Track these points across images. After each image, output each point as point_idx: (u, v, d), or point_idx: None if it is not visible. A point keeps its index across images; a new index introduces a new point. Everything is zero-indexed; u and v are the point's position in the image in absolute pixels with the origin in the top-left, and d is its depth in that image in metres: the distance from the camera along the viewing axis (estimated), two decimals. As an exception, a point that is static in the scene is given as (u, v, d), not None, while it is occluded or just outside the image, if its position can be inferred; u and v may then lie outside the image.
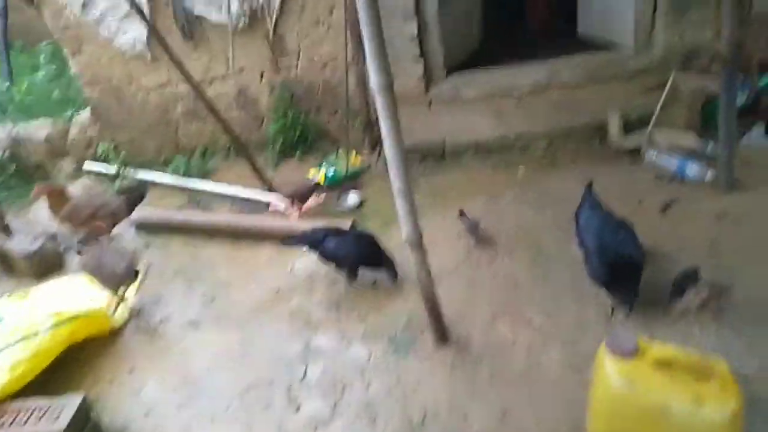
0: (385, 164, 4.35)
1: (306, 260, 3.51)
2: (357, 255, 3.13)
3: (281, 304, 3.16)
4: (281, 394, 2.56)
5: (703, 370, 1.71)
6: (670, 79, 3.92)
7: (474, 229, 3.49)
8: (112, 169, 4.81)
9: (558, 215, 3.56)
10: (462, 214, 3.58)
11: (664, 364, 1.75)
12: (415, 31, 4.62)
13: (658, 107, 4.00)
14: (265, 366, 2.74)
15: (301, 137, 4.88)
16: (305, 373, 2.67)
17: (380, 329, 2.88)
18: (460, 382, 2.53)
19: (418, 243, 2.46)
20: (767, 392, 2.26)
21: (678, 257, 3.06)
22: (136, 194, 3.93)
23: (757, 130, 4.06)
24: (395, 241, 3.29)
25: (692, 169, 3.70)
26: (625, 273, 2.65)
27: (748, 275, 2.88)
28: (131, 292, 3.24)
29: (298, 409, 2.49)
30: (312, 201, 4.21)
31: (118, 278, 3.04)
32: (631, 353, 1.79)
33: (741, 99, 4.06)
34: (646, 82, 4.50)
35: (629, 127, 4.31)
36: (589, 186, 3.15)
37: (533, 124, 4.53)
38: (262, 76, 4.81)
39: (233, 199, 4.39)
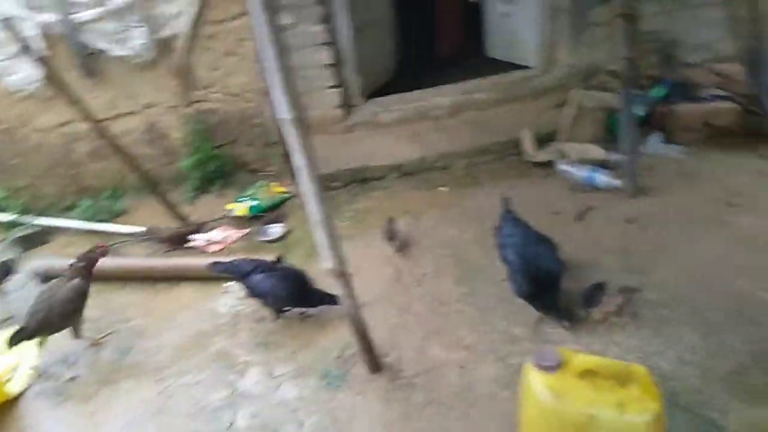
0: (307, 193, 4.38)
1: (229, 299, 3.35)
2: (285, 295, 3.00)
3: (203, 349, 2.97)
4: (208, 448, 2.38)
5: (624, 376, 1.74)
6: (572, 96, 4.14)
7: (394, 235, 3.53)
8: (9, 216, 4.42)
9: (481, 232, 3.62)
10: (390, 222, 3.61)
11: (588, 374, 1.77)
12: (331, 60, 4.62)
13: (564, 123, 4.20)
14: (187, 419, 2.54)
15: (218, 170, 4.72)
16: (232, 421, 2.51)
17: (311, 365, 2.77)
18: (395, 410, 2.46)
19: (342, 273, 2.39)
20: (686, 386, 2.36)
21: (595, 262, 3.18)
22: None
23: (655, 139, 4.34)
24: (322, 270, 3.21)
25: (601, 178, 3.89)
26: (546, 286, 2.71)
27: (659, 274, 3.03)
28: (31, 353, 2.94)
29: (227, 461, 2.32)
30: (233, 234, 4.06)
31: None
32: (555, 367, 1.80)
33: (640, 111, 4.36)
34: (553, 100, 4.74)
35: (541, 142, 4.51)
36: (506, 202, 3.21)
37: (452, 145, 4.63)
38: (172, 110, 4.62)
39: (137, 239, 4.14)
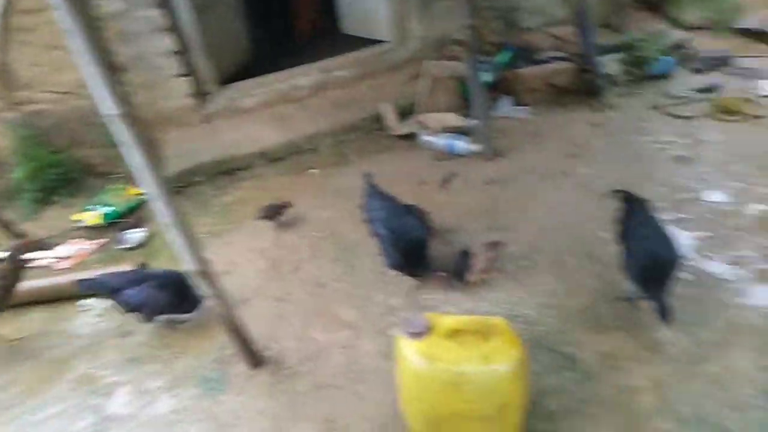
0: (176, 189, 4.09)
1: (87, 317, 3.05)
2: (164, 304, 2.77)
3: (60, 377, 2.68)
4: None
5: (486, 330, 1.84)
6: (425, 67, 4.25)
7: (274, 213, 3.50)
8: None
9: (354, 210, 3.60)
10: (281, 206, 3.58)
11: (453, 334, 1.84)
12: (174, 47, 4.30)
13: (420, 94, 4.31)
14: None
15: (61, 178, 4.24)
16: (102, 448, 2.30)
17: (188, 373, 2.61)
18: (281, 402, 2.40)
19: (205, 273, 2.25)
20: (548, 328, 2.56)
21: (462, 225, 3.33)
22: None
23: (504, 102, 4.61)
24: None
25: (460, 145, 4.06)
26: (416, 255, 2.78)
27: (519, 229, 3.25)
28: None
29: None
30: (79, 248, 3.69)
31: None
32: (423, 332, 1.84)
33: (488, 77, 4.59)
34: (409, 72, 4.82)
35: (403, 115, 4.59)
36: (368, 177, 3.23)
37: (317, 125, 4.56)
38: (-7, 116, 4.05)
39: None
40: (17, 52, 3.94)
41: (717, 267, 2.77)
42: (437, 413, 1.85)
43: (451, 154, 4.12)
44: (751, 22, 5.28)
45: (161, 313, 2.81)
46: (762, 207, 3.13)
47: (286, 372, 2.55)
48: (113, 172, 4.45)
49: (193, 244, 2.20)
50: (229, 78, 4.97)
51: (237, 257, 3.40)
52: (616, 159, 3.80)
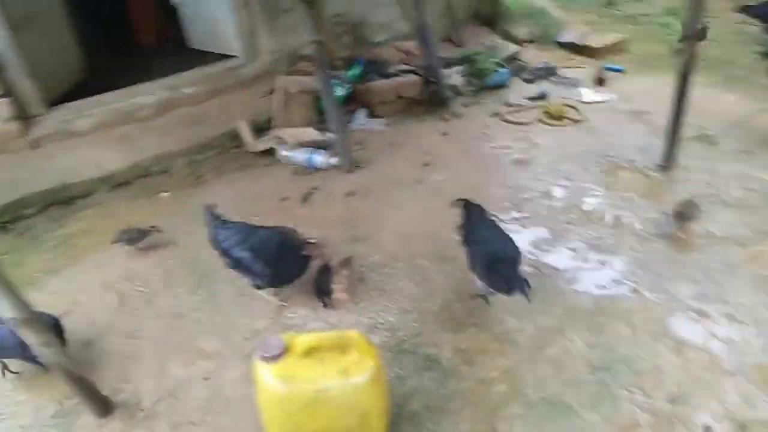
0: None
1: None
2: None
3: None
4: None
5: (342, 344, 1.85)
6: (277, 83, 4.22)
7: (135, 238, 3.27)
8: None
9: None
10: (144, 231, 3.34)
11: (311, 352, 1.83)
12: (-14, 67, 3.80)
13: (275, 109, 4.27)
14: None
15: None
16: None
17: (22, 433, 2.31)
18: (138, 450, 2.21)
19: (27, 321, 2.00)
20: (409, 331, 2.65)
21: (325, 238, 3.33)
22: None
23: (360, 115, 4.73)
24: None
25: (318, 159, 4.07)
26: (285, 264, 2.75)
27: (379, 238, 3.33)
28: None
29: None
30: None
31: None
32: (279, 354, 1.81)
33: (341, 91, 4.67)
34: (263, 88, 4.75)
35: (260, 131, 4.51)
36: (209, 208, 3.08)
37: (167, 145, 4.30)
38: None
39: None
40: None
41: (553, 258, 3.07)
42: (301, 433, 1.82)
43: (311, 168, 4.12)
44: (568, 36, 5.99)
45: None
46: (588, 201, 3.54)
47: (140, 415, 2.35)
48: None
49: (12, 289, 1.94)
50: (61, 98, 4.52)
51: (80, 294, 3.09)
52: (464, 165, 4.07)
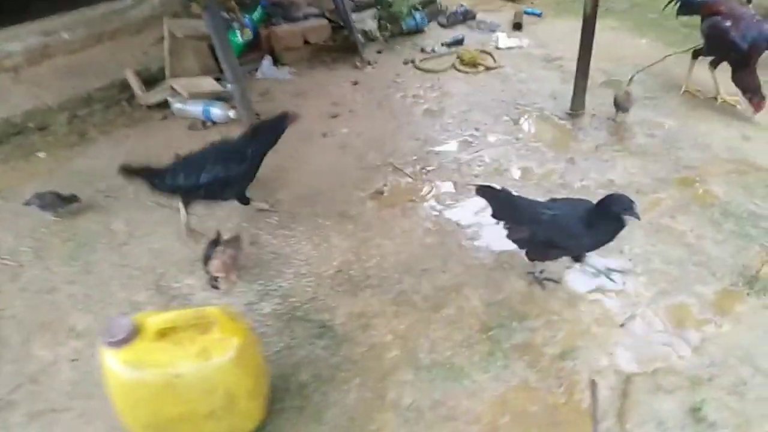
0: None
1: None
2: None
3: None
4: None
5: (203, 322, 1.66)
6: (165, 27, 3.79)
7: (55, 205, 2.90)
8: None
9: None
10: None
11: (166, 333, 1.64)
12: None
13: (166, 57, 3.87)
14: None
15: None
16: None
17: None
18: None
19: None
20: (302, 297, 2.49)
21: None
22: None
23: (266, 62, 4.38)
24: None
25: (215, 111, 3.75)
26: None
27: (281, 196, 3.12)
28: None
29: None
30: None
31: None
32: (127, 338, 1.60)
33: (242, 36, 4.30)
34: (153, 33, 4.29)
35: (154, 81, 4.10)
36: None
37: (42, 99, 3.83)
38: None
39: None
40: None
41: (456, 213, 2.97)
42: (158, 420, 1.65)
43: (208, 122, 3.79)
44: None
45: None
46: (493, 153, 3.44)
47: (-5, 408, 2.11)
48: None
49: None
50: None
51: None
52: (374, 116, 3.86)
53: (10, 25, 4.10)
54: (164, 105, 3.94)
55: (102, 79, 4.02)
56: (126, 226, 2.97)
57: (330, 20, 4.53)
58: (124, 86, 4.03)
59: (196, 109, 3.79)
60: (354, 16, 4.65)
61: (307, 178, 3.28)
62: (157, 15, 4.39)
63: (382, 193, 3.15)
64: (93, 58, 4.21)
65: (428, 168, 3.31)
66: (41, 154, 3.59)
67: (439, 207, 3.00)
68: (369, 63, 4.44)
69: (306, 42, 4.45)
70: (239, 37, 4.29)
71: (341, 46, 4.52)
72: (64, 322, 2.45)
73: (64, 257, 2.79)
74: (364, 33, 4.61)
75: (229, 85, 3.88)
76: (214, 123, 3.79)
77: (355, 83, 4.23)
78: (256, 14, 4.40)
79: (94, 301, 2.54)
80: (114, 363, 1.58)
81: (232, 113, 3.74)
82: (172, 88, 3.93)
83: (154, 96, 3.96)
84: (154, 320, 1.65)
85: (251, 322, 2.33)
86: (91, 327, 2.42)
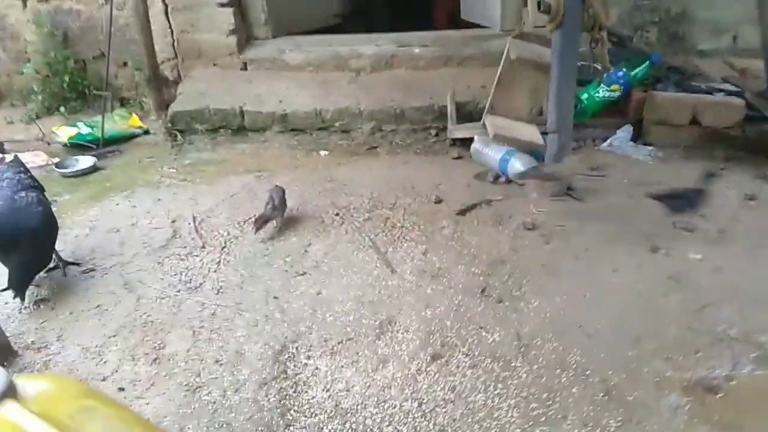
0: (167, 129, 3.43)
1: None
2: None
3: None
4: None
5: None
6: (506, 47, 2.97)
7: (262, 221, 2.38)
8: None
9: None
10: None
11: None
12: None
13: (494, 83, 3.05)
14: None
15: (73, 88, 3.81)
16: None
17: None
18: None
19: None
20: None
21: (448, 270, 2.07)
22: None
23: (623, 133, 3.13)
24: (85, 218, 2.29)
25: (515, 166, 2.72)
26: None
27: (533, 306, 1.89)
28: None
29: None
30: (36, 160, 3.14)
31: None
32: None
33: (603, 90, 3.17)
34: (503, 66, 3.56)
35: (471, 115, 3.38)
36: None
37: (362, 102, 3.54)
38: (25, 3, 3.74)
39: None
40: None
41: None
42: None
43: (502, 175, 2.81)
44: None
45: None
46: None
47: None
48: (128, 97, 3.95)
49: None
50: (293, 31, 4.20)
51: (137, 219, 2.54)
52: (758, 253, 2.17)
53: (377, 32, 4.03)
54: (469, 145, 3.15)
55: (422, 100, 3.51)
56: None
57: (747, 101, 2.96)
58: (441, 114, 3.42)
59: (494, 156, 2.85)
60: (793, 107, 2.95)
61: (579, 301, 1.93)
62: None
63: (714, 391, 1.56)
64: (429, 79, 3.75)
65: None
66: (323, 153, 3.27)
67: None
68: (790, 177, 2.68)
69: (694, 122, 3.00)
70: (600, 92, 3.17)
71: (753, 142, 2.89)
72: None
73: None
74: (803, 133, 2.85)
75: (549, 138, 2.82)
76: (509, 181, 2.78)
77: (751, 198, 2.56)
78: (639, 70, 3.18)
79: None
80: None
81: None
82: (486, 125, 3.09)
83: (462, 131, 3.22)
84: (26, 406, 0.74)
85: None
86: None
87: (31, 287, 1.96)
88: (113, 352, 1.74)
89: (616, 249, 2.22)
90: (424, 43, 3.91)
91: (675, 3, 3.59)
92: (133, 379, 1.64)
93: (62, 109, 3.76)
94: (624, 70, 3.16)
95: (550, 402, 1.53)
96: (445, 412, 1.50)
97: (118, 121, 3.58)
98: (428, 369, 1.65)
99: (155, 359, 1.71)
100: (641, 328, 1.80)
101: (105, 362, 1.70)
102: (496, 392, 1.57)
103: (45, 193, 2.15)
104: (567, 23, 2.44)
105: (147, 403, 1.55)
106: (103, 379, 1.64)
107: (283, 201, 2.37)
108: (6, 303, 1.92)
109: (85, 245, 2.31)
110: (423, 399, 1.55)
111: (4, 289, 1.92)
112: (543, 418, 1.48)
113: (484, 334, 1.78)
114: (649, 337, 1.76)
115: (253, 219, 2.41)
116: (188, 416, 1.51)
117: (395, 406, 1.52)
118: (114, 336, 1.81)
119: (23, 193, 1.97)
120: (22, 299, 1.87)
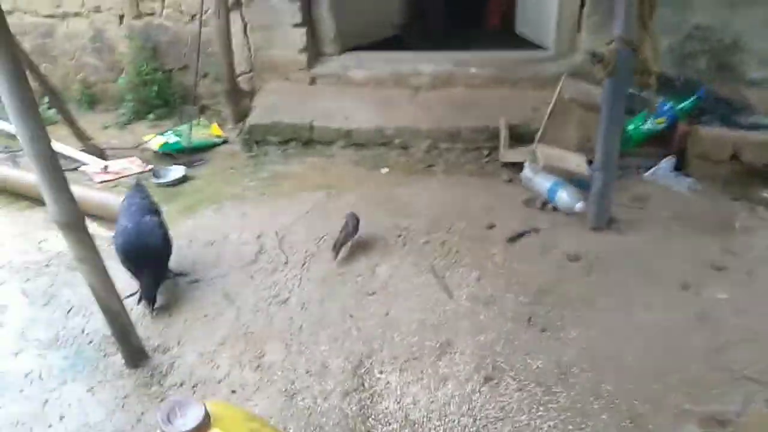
0: (244, 140, 3.81)
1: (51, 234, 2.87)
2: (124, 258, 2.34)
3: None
4: None
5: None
6: (559, 85, 3.21)
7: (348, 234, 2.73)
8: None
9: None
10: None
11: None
12: (298, -3, 3.93)
13: (545, 119, 3.30)
14: None
15: (160, 97, 4.24)
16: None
17: (74, 337, 2.24)
18: (116, 423, 1.87)
19: (69, 225, 1.78)
20: None
21: (496, 300, 2.40)
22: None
23: (666, 164, 3.34)
24: (185, 230, 2.67)
25: (562, 196, 3.00)
26: None
27: (573, 335, 2.21)
28: None
29: None
30: (124, 167, 3.59)
31: None
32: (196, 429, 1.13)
33: (650, 123, 3.38)
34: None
35: (526, 140, 3.63)
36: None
37: (421, 121, 3.84)
38: (121, 19, 4.16)
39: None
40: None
41: None
42: None
43: (550, 203, 3.09)
44: None
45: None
46: None
47: (154, 389, 2.01)
48: (208, 105, 4.35)
49: (64, 187, 1.72)
50: (362, 47, 4.49)
51: (229, 230, 2.94)
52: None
53: (436, 50, 4.29)
54: (519, 167, 3.42)
55: (477, 121, 3.77)
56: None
57: (791, 140, 3.12)
58: (494, 135, 3.69)
59: (543, 184, 3.12)
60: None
61: (613, 335, 2.22)
62: (574, 73, 3.84)
63: (725, 425, 1.85)
64: (484, 98, 4.00)
65: None
66: (384, 170, 3.60)
67: None
68: (824, 218, 2.87)
69: (735, 156, 3.18)
70: (647, 123, 3.38)
71: (790, 180, 3.07)
72: (260, 347, 2.21)
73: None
74: None
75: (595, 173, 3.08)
76: (555, 208, 3.05)
77: (781, 235, 2.78)
78: (686, 103, 3.37)
79: (292, 339, 2.24)
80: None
81: (579, 205, 2.93)
82: (536, 152, 3.36)
83: (514, 155, 3.49)
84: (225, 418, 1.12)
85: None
86: (278, 362, 2.12)
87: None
88: (223, 358, 2.15)
89: (650, 284, 2.49)
90: (480, 62, 4.15)
91: (727, 32, 3.72)
92: (242, 383, 2.04)
93: (150, 115, 4.20)
94: (670, 103, 3.36)
95: (584, 426, 1.85)
96: (495, 428, 1.85)
97: (200, 130, 4.00)
98: (481, 389, 1.99)
99: (258, 366, 2.11)
100: (666, 363, 2.08)
101: (218, 367, 2.11)
102: (538, 414, 1.89)
103: (162, 214, 2.56)
104: (618, 72, 2.67)
105: (255, 405, 1.95)
106: (219, 382, 2.05)
107: (356, 228, 2.72)
108: (131, 309, 2.34)
109: (188, 256, 2.73)
110: (477, 416, 1.89)
111: (131, 295, 2.36)
112: (576, 439, 1.81)
113: (529, 360, 2.10)
114: (672, 372, 2.04)
115: (326, 238, 2.79)
116: (289, 419, 1.90)
117: (454, 421, 1.87)
118: (222, 344, 2.21)
119: (147, 218, 2.39)
120: (152, 308, 2.30)
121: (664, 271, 2.57)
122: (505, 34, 5.00)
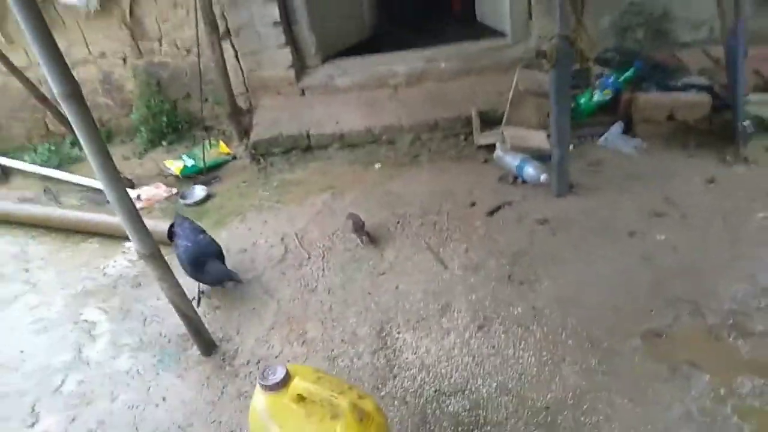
0: (251, 155, 4.33)
1: (121, 259, 3.44)
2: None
3: (72, 310, 3.09)
4: (25, 408, 2.51)
5: (335, 408, 1.64)
6: (516, 75, 3.76)
7: (359, 228, 3.31)
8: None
9: (380, 218, 3.49)
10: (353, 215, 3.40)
11: (301, 399, 1.69)
12: (278, 17, 4.42)
13: (507, 106, 3.86)
14: (24, 377, 2.68)
15: (170, 125, 4.76)
16: (62, 384, 2.62)
17: (155, 339, 2.82)
18: (204, 398, 2.47)
19: (151, 255, 2.35)
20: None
21: (481, 265, 2.99)
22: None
23: (615, 129, 3.91)
24: (222, 242, 3.20)
25: (529, 170, 3.57)
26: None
27: (545, 286, 2.80)
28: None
29: (33, 424, 2.44)
30: (155, 193, 4.12)
31: None
32: (277, 385, 1.72)
33: (599, 95, 3.93)
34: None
35: (495, 123, 4.18)
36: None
37: (402, 117, 4.38)
38: (125, 61, 4.65)
39: (86, 189, 4.27)
40: (146, 7, 4.42)
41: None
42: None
43: (519, 178, 3.66)
44: None
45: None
46: None
47: (228, 370, 2.59)
48: (216, 128, 4.87)
49: (136, 223, 2.25)
50: (340, 53, 4.99)
51: (259, 239, 3.50)
52: (709, 231, 3.01)
53: (406, 50, 4.80)
54: (493, 148, 3.98)
55: (452, 110, 4.32)
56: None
57: (715, 97, 3.69)
58: (468, 122, 4.23)
59: (512, 162, 3.69)
60: (755, 98, 3.67)
61: (585, 278, 2.82)
62: (529, 58, 4.37)
63: (660, 336, 2.47)
64: (455, 89, 4.55)
65: (749, 328, 2.40)
66: (377, 166, 4.15)
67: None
68: (745, 160, 3.46)
69: (670, 117, 3.75)
70: (594, 96, 3.94)
71: (716, 132, 3.64)
72: (301, 326, 2.80)
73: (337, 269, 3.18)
74: (759, 121, 3.59)
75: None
76: (524, 182, 3.63)
77: (711, 181, 3.36)
78: (627, 74, 3.92)
79: (332, 317, 2.83)
80: (258, 404, 1.72)
81: (543, 177, 3.50)
82: (503, 134, 3.92)
83: (486, 138, 4.04)
84: (301, 381, 1.71)
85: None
86: (317, 338, 2.71)
87: (205, 299, 3.00)
88: (275, 339, 2.75)
89: (605, 236, 3.08)
90: (447, 56, 4.66)
91: (656, 6, 4.24)
92: (293, 356, 2.64)
93: (164, 142, 4.73)
94: (613, 76, 3.92)
95: (555, 350, 2.46)
96: (489, 361, 2.46)
97: (210, 150, 4.53)
98: (476, 335, 2.59)
99: (303, 342, 2.70)
100: (618, 298, 2.68)
101: (272, 347, 2.71)
102: (520, 347, 2.50)
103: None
104: (560, 63, 3.22)
105: (307, 370, 2.55)
106: (275, 357, 2.65)
107: (360, 221, 3.29)
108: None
109: (228, 264, 3.30)
110: (475, 354, 2.50)
111: (192, 299, 2.95)
112: (550, 361, 2.42)
113: (511, 308, 2.70)
114: (623, 305, 2.64)
115: (338, 233, 3.37)
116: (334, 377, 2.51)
117: (458, 360, 2.48)
118: (272, 329, 2.81)
119: (201, 236, 2.98)
120: (198, 303, 2.91)
121: (616, 224, 3.16)
122: (470, 21, 5.51)
